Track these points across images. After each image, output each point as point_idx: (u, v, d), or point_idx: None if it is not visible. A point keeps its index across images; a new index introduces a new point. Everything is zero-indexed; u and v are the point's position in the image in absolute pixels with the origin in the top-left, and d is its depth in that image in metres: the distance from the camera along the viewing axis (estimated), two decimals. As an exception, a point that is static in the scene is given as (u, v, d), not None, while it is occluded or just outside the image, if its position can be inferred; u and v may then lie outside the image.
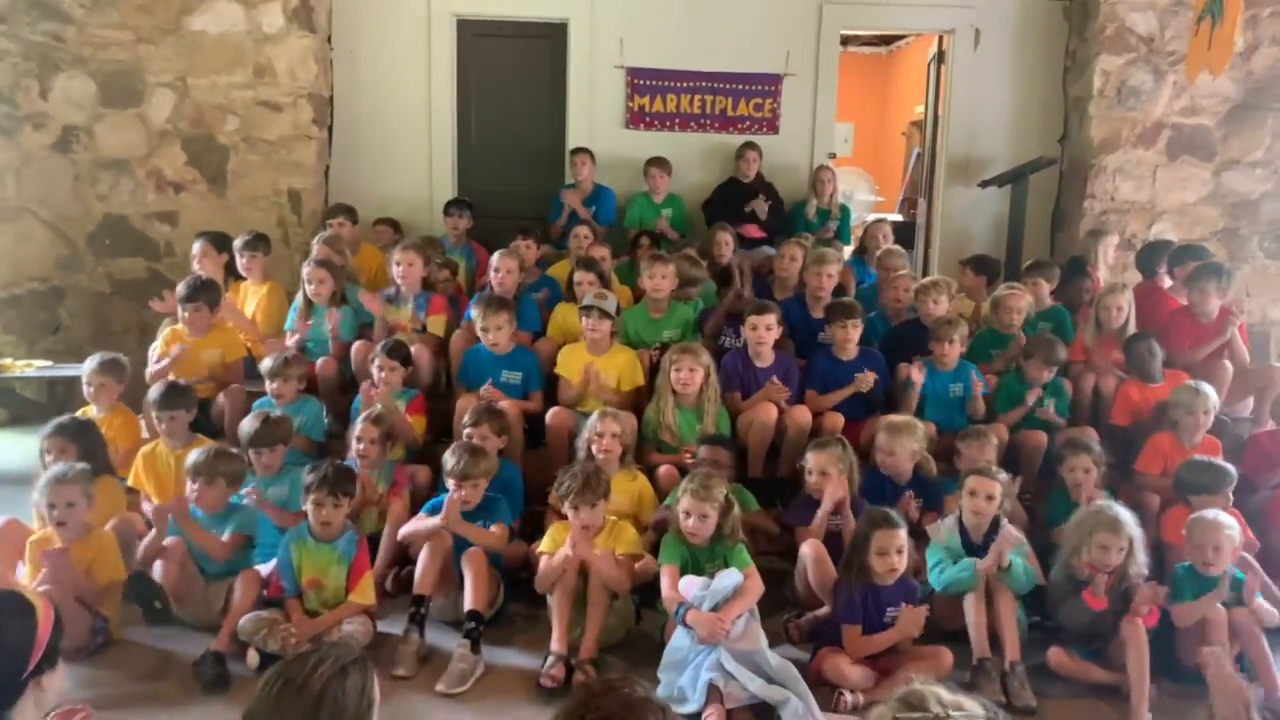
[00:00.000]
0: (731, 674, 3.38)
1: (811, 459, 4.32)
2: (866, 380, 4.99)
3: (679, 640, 3.58)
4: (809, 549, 4.03)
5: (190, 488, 4.03)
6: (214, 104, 6.85)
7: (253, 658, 3.64)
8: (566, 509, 3.93)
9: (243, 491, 4.17)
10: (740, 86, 7.55)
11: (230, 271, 5.97)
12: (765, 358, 5.06)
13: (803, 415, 4.87)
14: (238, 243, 5.87)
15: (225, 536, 4.02)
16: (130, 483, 4.56)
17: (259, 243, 5.91)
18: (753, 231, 7.07)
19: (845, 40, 8.97)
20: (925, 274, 7.27)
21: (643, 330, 5.47)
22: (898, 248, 6.59)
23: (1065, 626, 3.83)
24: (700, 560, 3.84)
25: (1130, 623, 3.59)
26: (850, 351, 5.12)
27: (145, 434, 4.92)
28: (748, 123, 7.57)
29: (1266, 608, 3.72)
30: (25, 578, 3.74)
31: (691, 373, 4.73)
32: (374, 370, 4.92)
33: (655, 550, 3.95)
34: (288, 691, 1.77)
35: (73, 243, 6.91)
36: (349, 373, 5.34)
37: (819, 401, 5.02)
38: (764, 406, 4.85)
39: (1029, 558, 3.96)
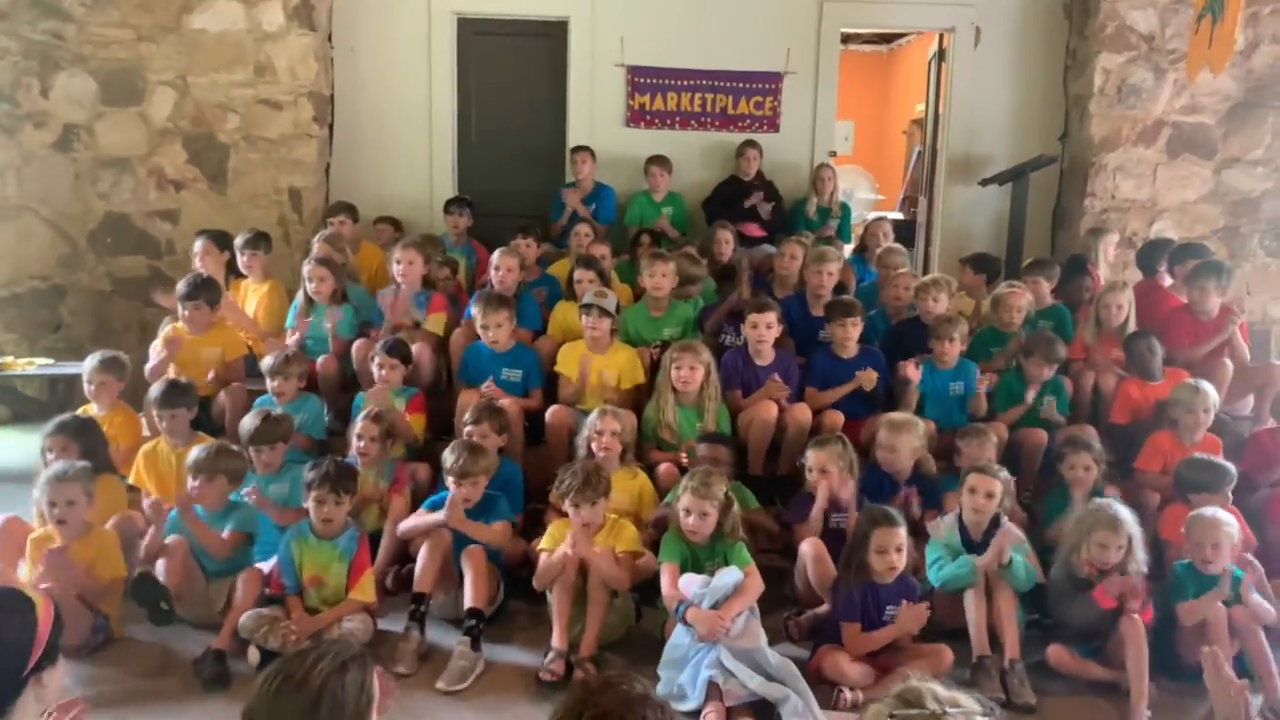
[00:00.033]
0: (731, 671, 3.39)
1: (812, 457, 4.33)
2: (870, 378, 4.99)
3: (679, 638, 3.58)
4: (809, 547, 4.03)
5: (191, 485, 4.04)
6: (214, 102, 6.85)
7: (253, 655, 3.65)
8: (567, 506, 3.93)
9: (243, 491, 4.17)
10: (741, 85, 7.55)
11: (231, 270, 5.98)
12: (765, 356, 5.06)
13: (803, 413, 4.88)
14: (238, 241, 5.88)
15: (225, 533, 4.03)
16: (131, 481, 4.57)
17: (260, 241, 5.91)
18: (753, 230, 7.07)
19: (846, 38, 8.96)
20: (925, 272, 7.27)
21: (643, 328, 5.47)
22: (898, 246, 6.59)
23: (1071, 624, 3.82)
24: (700, 558, 3.84)
25: (1129, 620, 3.59)
26: (850, 350, 5.12)
27: (146, 432, 4.92)
28: (748, 121, 7.57)
29: (1263, 605, 3.72)
30: (26, 575, 3.75)
31: (692, 371, 4.74)
32: (374, 369, 4.93)
33: (655, 548, 3.95)
34: (287, 688, 1.77)
35: (74, 241, 6.91)
36: (350, 371, 5.35)
37: (819, 398, 5.03)
38: (764, 404, 4.85)
39: (1029, 556, 3.96)
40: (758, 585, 3.68)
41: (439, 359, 5.46)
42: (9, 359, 6.23)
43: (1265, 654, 3.58)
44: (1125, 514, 3.77)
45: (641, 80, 7.49)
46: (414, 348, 5.19)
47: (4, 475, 5.39)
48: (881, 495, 4.31)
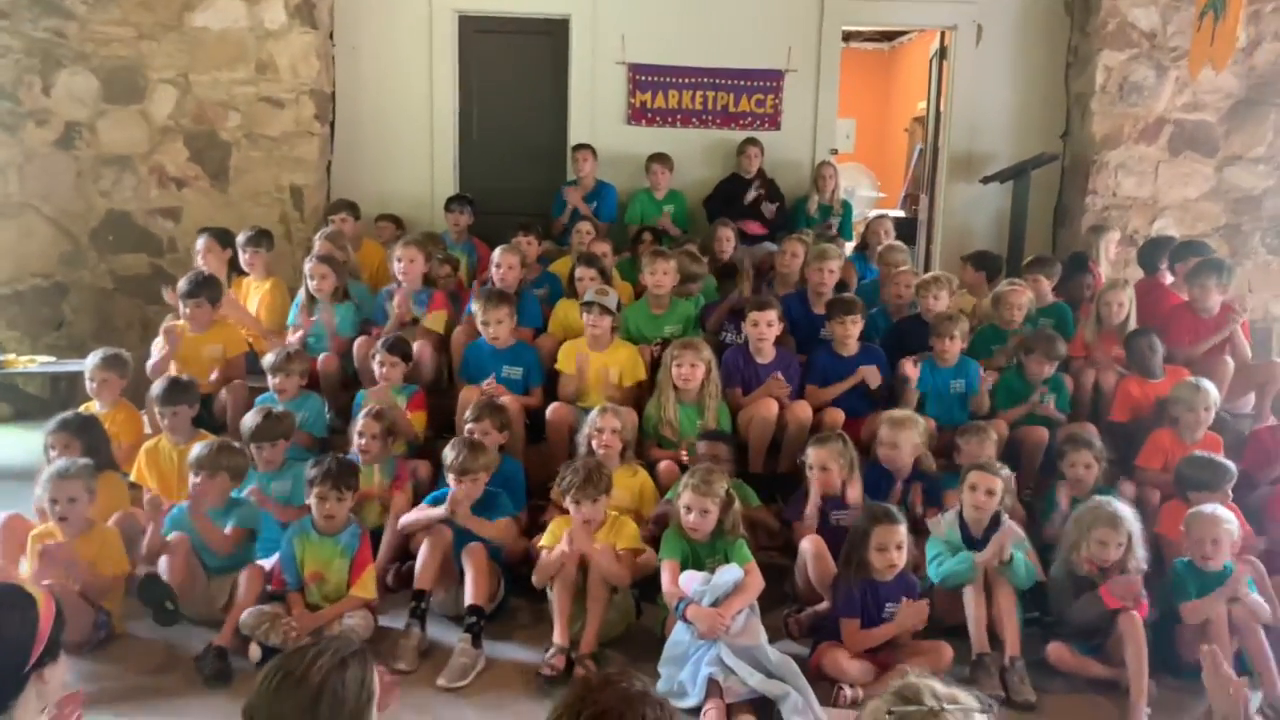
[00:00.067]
0: (731, 669, 3.39)
1: (812, 454, 4.32)
2: (874, 375, 4.99)
3: (679, 635, 3.59)
4: (809, 544, 4.03)
5: (193, 482, 4.04)
6: (216, 100, 6.86)
7: (254, 652, 3.65)
8: (568, 504, 3.94)
9: (245, 490, 4.17)
10: (742, 82, 7.55)
11: (234, 267, 5.99)
12: (766, 354, 5.06)
13: (803, 411, 4.88)
14: (240, 239, 5.89)
15: (227, 530, 4.04)
16: (133, 478, 4.58)
17: (262, 238, 5.93)
18: (754, 228, 7.08)
19: (847, 36, 8.96)
20: (927, 270, 7.27)
21: (644, 326, 5.48)
22: (899, 243, 6.60)
23: (1071, 622, 3.82)
24: (701, 555, 3.85)
25: (1128, 618, 3.59)
26: (851, 347, 5.12)
27: (148, 429, 4.94)
28: (749, 119, 7.57)
29: (1263, 603, 3.72)
30: (26, 573, 3.75)
31: (693, 368, 4.74)
32: (375, 366, 4.93)
33: (656, 545, 3.96)
34: (287, 684, 1.77)
35: (75, 239, 6.92)
36: (351, 368, 5.36)
37: (819, 395, 5.03)
38: (765, 402, 4.86)
39: (1029, 554, 3.96)
40: (758, 583, 3.69)
41: (440, 357, 5.46)
42: (11, 356, 6.24)
43: (1264, 651, 3.58)
44: (1125, 511, 3.77)
45: (643, 78, 7.49)
46: (415, 345, 5.19)
47: (6, 473, 5.40)
48: (881, 492, 4.32)
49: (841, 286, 5.81)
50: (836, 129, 7.97)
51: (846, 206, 7.52)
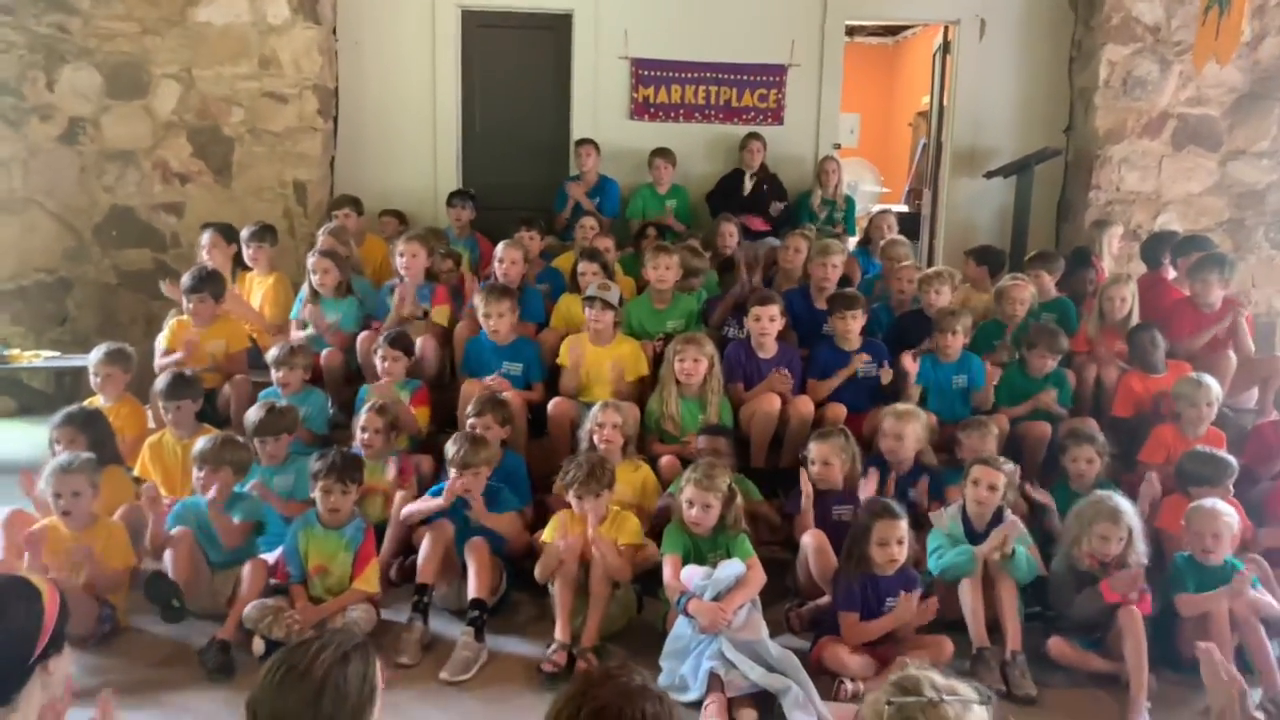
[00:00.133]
0: (732, 663, 3.40)
1: (814, 449, 4.33)
2: (886, 373, 4.99)
3: (681, 629, 3.60)
4: (810, 538, 4.04)
5: (197, 476, 4.06)
6: (219, 95, 6.87)
7: (258, 645, 3.67)
8: (570, 498, 3.95)
9: (248, 484, 4.19)
10: (745, 77, 7.55)
11: (238, 262, 6.01)
12: (768, 349, 5.07)
13: (805, 406, 4.89)
14: (244, 234, 5.90)
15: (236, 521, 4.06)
16: (137, 472, 4.60)
17: (265, 234, 5.94)
18: (757, 223, 7.08)
19: (851, 31, 8.95)
20: (930, 265, 7.26)
21: (646, 321, 5.48)
22: (901, 238, 6.59)
23: (1072, 617, 3.82)
24: (703, 550, 3.86)
25: (1127, 612, 3.60)
26: (853, 342, 5.12)
27: (152, 424, 4.95)
28: (752, 113, 7.57)
29: (1264, 598, 3.72)
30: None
31: (695, 363, 4.74)
32: (377, 361, 4.94)
33: (657, 539, 3.97)
34: (290, 678, 1.78)
35: (79, 234, 6.94)
36: (354, 363, 5.37)
37: (819, 389, 5.03)
38: (767, 397, 4.86)
39: (1030, 548, 3.97)
40: (760, 577, 3.70)
41: (444, 351, 5.47)
42: (15, 351, 6.26)
43: (1264, 647, 3.59)
44: (1126, 506, 3.78)
45: (645, 73, 7.49)
46: (418, 340, 5.21)
47: (10, 467, 5.41)
48: (883, 486, 4.32)
49: (845, 281, 5.81)
50: (841, 124, 7.97)
51: (850, 201, 7.51)
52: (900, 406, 4.61)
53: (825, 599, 3.96)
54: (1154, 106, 7.10)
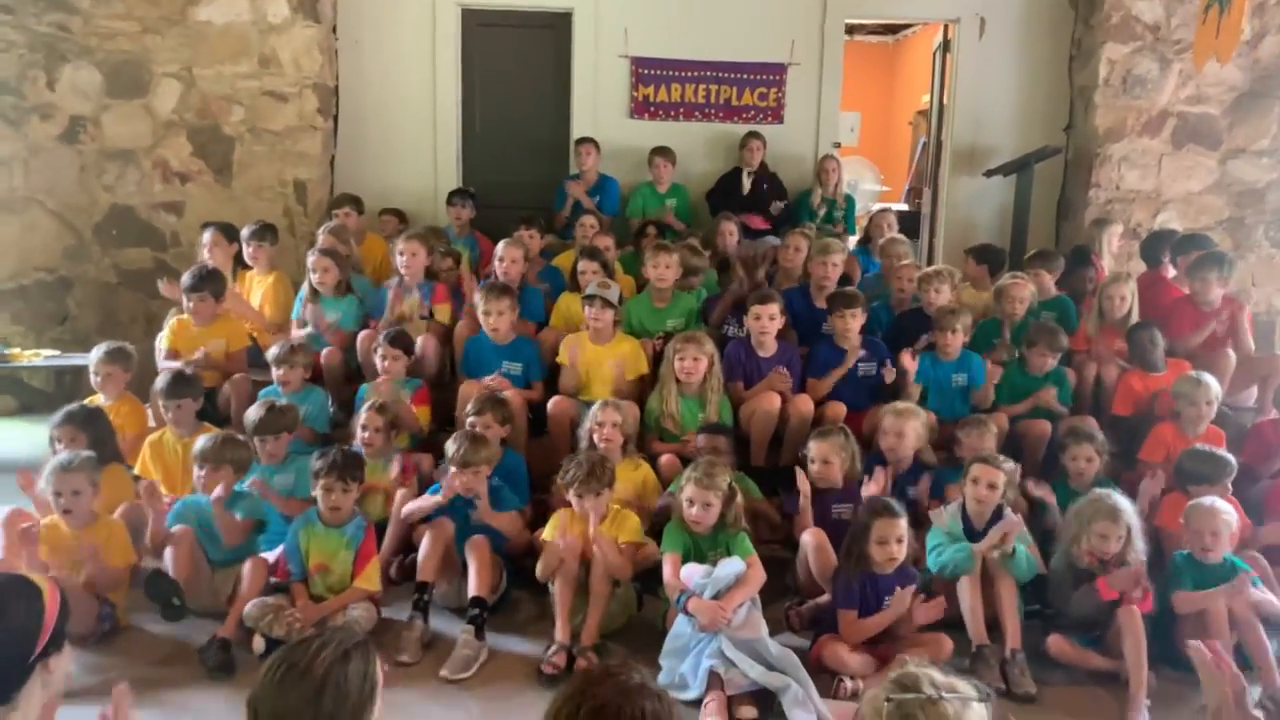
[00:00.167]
0: (732, 661, 3.41)
1: (814, 448, 4.34)
2: (889, 372, 4.99)
3: (680, 627, 3.60)
4: (810, 537, 4.04)
5: (197, 474, 4.07)
6: (219, 94, 6.88)
7: (258, 643, 3.67)
8: (571, 497, 3.95)
9: (247, 481, 4.20)
10: (745, 76, 7.55)
11: (238, 261, 6.01)
12: (768, 347, 5.07)
13: (805, 404, 4.89)
14: (244, 233, 5.91)
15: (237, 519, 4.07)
16: (137, 471, 4.60)
17: (266, 233, 5.94)
18: (757, 222, 7.08)
19: (851, 29, 8.95)
20: (930, 264, 7.26)
21: (646, 319, 5.48)
22: (901, 237, 6.59)
23: (1071, 615, 3.83)
24: (703, 548, 3.86)
25: (1127, 610, 3.60)
26: (852, 341, 5.12)
27: (152, 422, 4.96)
28: (752, 112, 7.57)
29: (1265, 596, 3.73)
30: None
31: (695, 362, 4.75)
32: (377, 360, 4.95)
33: (658, 537, 3.97)
34: (291, 676, 1.79)
35: (79, 233, 6.95)
36: (354, 362, 5.37)
37: (818, 387, 5.03)
38: (767, 396, 4.87)
39: (1030, 547, 3.97)
40: (760, 576, 3.70)
41: (445, 350, 5.47)
42: (16, 351, 6.27)
43: (1263, 645, 3.59)
44: (1125, 504, 3.78)
45: (645, 72, 7.49)
46: (419, 339, 5.21)
47: (10, 466, 5.41)
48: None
49: (845, 280, 5.81)
50: (841, 122, 7.97)
51: (850, 200, 7.52)
52: (900, 404, 4.62)
53: (825, 597, 3.96)
54: (1154, 105, 7.10)
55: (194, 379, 4.75)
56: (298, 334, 5.46)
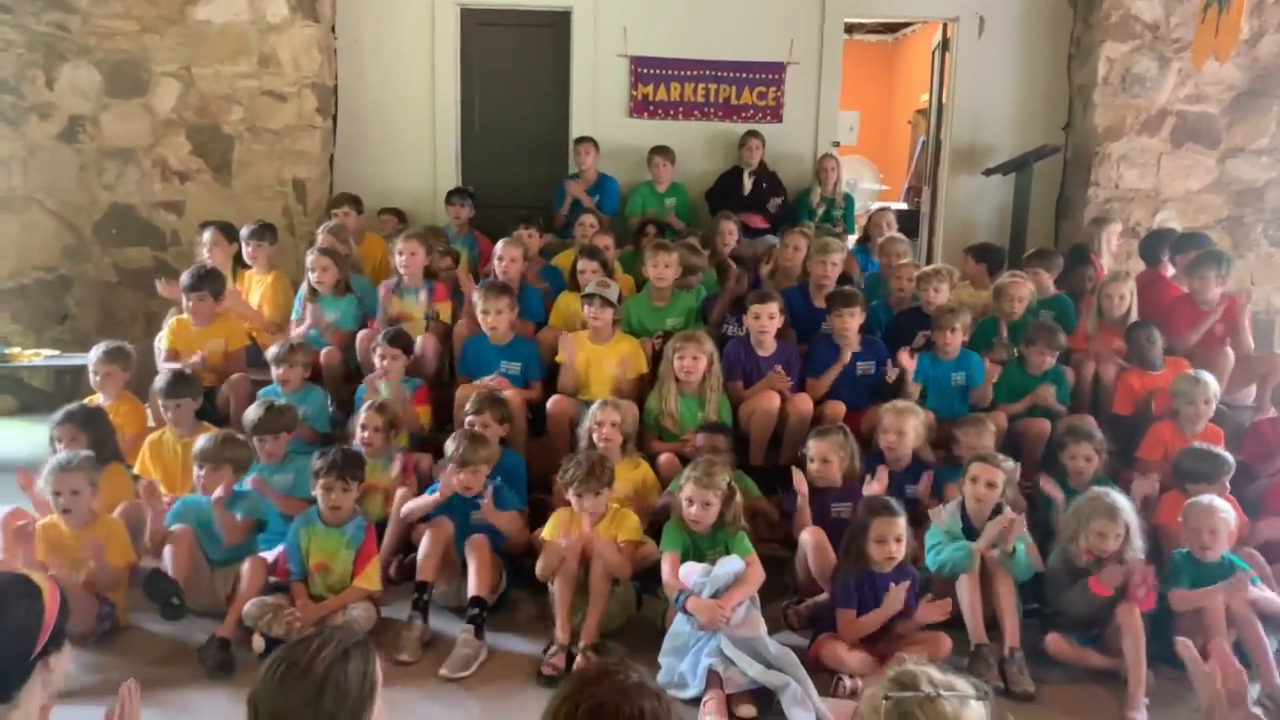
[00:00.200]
0: (731, 660, 3.41)
1: (813, 447, 4.34)
2: (891, 370, 4.99)
3: (679, 626, 3.61)
4: (809, 536, 4.05)
5: (197, 474, 4.07)
6: (219, 94, 6.88)
7: (258, 643, 3.68)
8: (570, 496, 3.96)
9: (246, 480, 4.20)
10: (744, 75, 7.54)
11: (238, 261, 6.01)
12: (767, 346, 5.07)
13: (804, 404, 4.89)
14: (244, 232, 5.91)
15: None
16: (137, 470, 4.61)
17: (265, 232, 5.94)
18: (756, 221, 7.08)
19: (850, 28, 8.92)
20: (929, 263, 7.26)
21: (646, 318, 5.49)
22: (900, 235, 6.59)
23: (1070, 613, 3.83)
24: (702, 547, 3.86)
25: (1126, 608, 3.61)
26: (851, 340, 5.12)
27: (151, 422, 4.96)
28: (751, 111, 7.57)
29: (1264, 594, 3.73)
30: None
31: (695, 361, 4.75)
32: (376, 359, 4.95)
33: (657, 536, 3.97)
34: (291, 675, 1.79)
35: (79, 232, 6.95)
36: (353, 361, 5.37)
37: (816, 386, 5.04)
38: (766, 395, 4.87)
39: (1029, 545, 3.97)
40: (759, 575, 3.70)
41: (444, 349, 5.48)
42: (15, 350, 6.27)
43: (1262, 643, 3.60)
44: (1123, 502, 3.79)
45: (644, 71, 7.49)
46: (419, 338, 5.21)
47: (10, 466, 5.41)
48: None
49: (845, 279, 5.81)
50: (840, 121, 7.97)
51: (849, 199, 7.52)
52: (899, 403, 4.62)
53: (824, 596, 3.97)
54: (1153, 104, 7.10)
55: (193, 378, 4.76)
56: (297, 333, 5.46)
